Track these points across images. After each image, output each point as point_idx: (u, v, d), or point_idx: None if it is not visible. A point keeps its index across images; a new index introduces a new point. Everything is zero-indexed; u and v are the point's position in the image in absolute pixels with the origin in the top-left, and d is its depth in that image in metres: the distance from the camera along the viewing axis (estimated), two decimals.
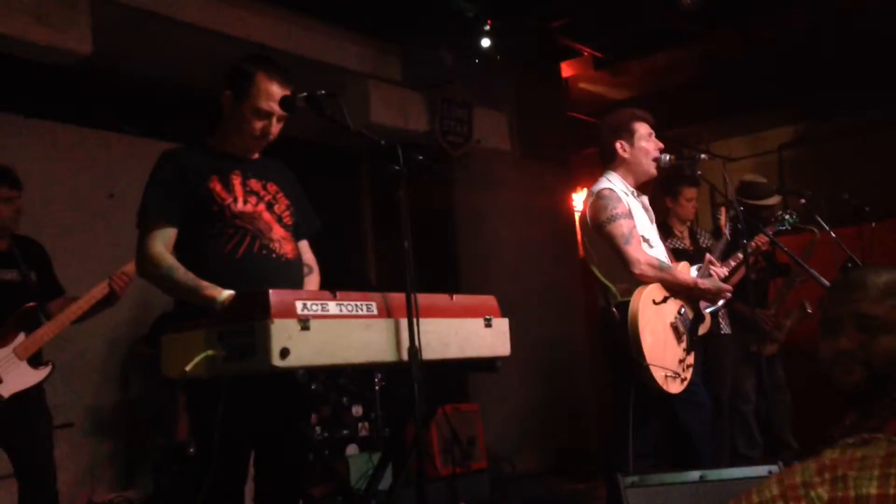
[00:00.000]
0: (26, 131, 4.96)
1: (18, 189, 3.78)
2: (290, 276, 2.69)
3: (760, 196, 5.00)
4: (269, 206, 2.71)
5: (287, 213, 2.76)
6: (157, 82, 5.35)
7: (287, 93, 2.66)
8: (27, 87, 4.81)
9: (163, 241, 2.57)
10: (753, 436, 5.06)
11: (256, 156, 2.80)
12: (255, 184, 2.71)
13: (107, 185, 5.19)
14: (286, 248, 2.70)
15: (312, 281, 2.89)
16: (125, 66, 5.10)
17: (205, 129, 2.80)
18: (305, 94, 2.59)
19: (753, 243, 4.23)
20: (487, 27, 5.73)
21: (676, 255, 4.52)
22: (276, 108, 2.64)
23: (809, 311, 5.03)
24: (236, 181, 2.67)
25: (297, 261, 2.78)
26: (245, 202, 2.65)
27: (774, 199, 5.01)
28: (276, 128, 2.70)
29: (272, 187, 2.76)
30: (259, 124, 2.66)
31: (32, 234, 3.94)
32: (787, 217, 4.31)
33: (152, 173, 2.66)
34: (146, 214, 2.61)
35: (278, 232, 2.69)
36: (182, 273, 2.50)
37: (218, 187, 2.63)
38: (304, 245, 2.91)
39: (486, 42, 5.92)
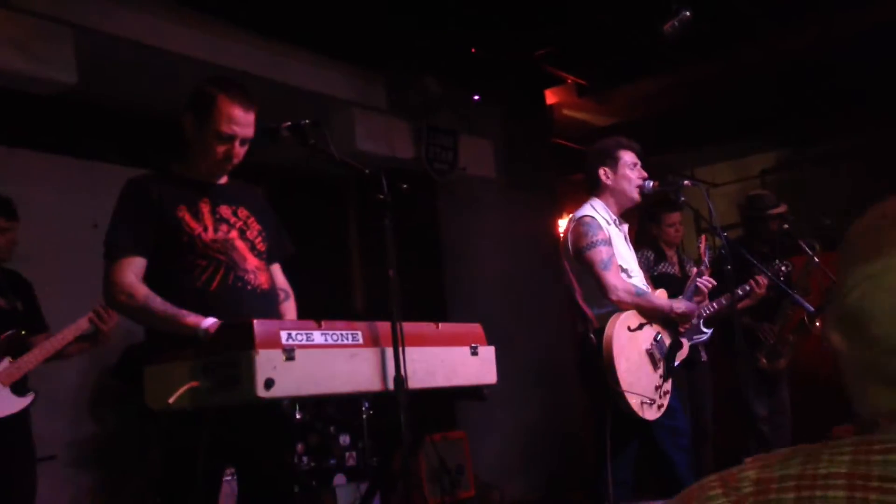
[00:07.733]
0: (10, 161, 4.93)
1: (15, 220, 3.75)
2: (267, 307, 2.63)
3: (768, 206, 5.05)
4: (242, 233, 2.64)
5: (259, 238, 2.70)
6: (142, 111, 5.35)
7: (250, 114, 2.58)
8: (11, 118, 4.79)
9: (133, 272, 2.50)
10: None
11: (224, 180, 2.73)
12: (224, 210, 2.65)
13: (91, 214, 5.16)
14: (261, 279, 2.63)
15: (290, 307, 2.83)
16: (110, 96, 5.10)
17: (169, 155, 2.72)
18: (289, 123, 2.54)
19: (753, 283, 4.25)
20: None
21: (666, 280, 4.53)
22: (238, 130, 2.56)
23: (818, 324, 4.90)
24: (205, 209, 2.60)
25: (273, 291, 2.72)
26: (216, 230, 2.58)
27: (782, 208, 5.07)
28: (239, 150, 2.62)
29: (243, 212, 2.69)
30: (221, 148, 2.58)
31: (15, 263, 3.91)
32: (783, 268, 4.40)
33: (119, 200, 2.59)
34: (115, 244, 2.53)
35: (252, 262, 2.62)
36: (160, 302, 2.44)
37: (187, 216, 2.56)
38: (276, 269, 2.84)
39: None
